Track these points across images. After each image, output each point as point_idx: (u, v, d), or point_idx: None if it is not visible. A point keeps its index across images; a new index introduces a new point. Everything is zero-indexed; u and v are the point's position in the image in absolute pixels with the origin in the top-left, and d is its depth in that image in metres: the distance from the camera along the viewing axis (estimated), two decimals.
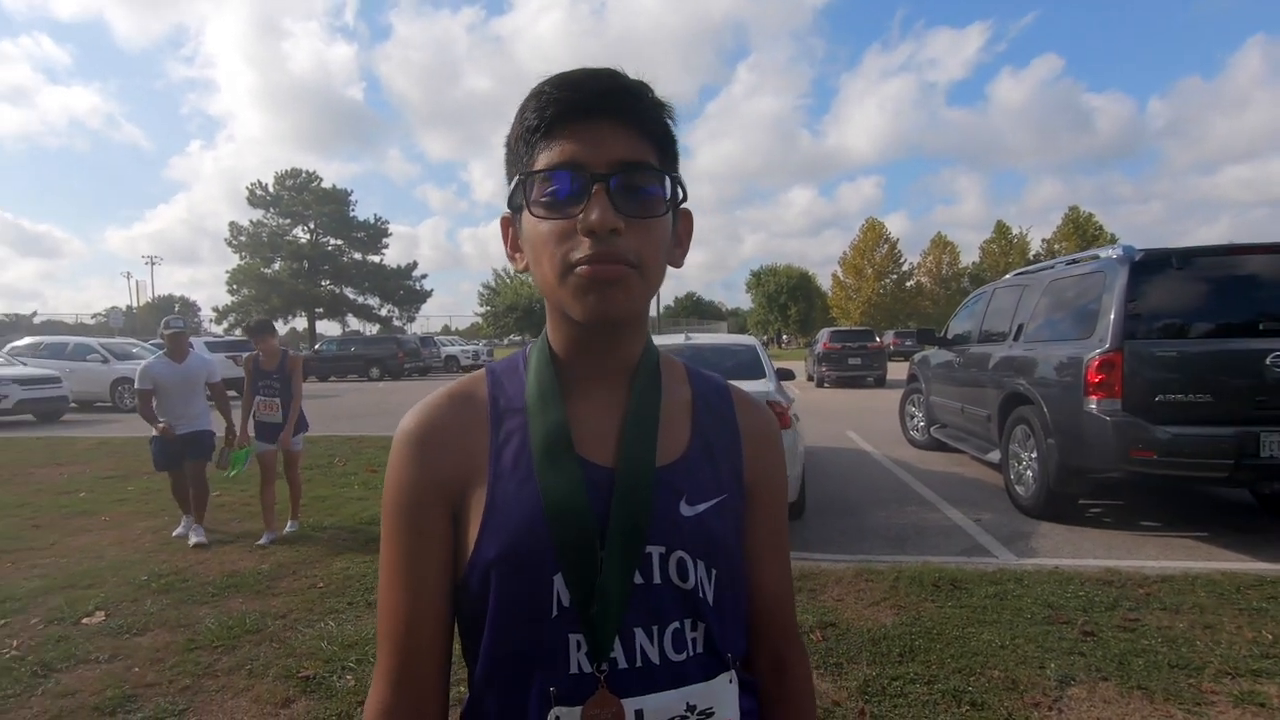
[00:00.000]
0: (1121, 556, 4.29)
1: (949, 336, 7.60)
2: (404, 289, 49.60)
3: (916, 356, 8.93)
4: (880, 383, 18.15)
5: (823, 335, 19.64)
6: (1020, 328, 5.78)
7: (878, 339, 19.81)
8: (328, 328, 47.08)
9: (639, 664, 0.62)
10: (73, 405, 14.38)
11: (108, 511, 5.89)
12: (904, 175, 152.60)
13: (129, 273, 59.33)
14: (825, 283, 56.34)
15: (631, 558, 0.62)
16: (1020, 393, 5.39)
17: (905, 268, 53.58)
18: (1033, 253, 51.97)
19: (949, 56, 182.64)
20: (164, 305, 63.09)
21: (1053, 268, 5.88)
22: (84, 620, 3.52)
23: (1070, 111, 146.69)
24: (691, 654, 0.64)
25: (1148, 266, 4.55)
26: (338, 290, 47.05)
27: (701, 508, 0.67)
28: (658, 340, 5.98)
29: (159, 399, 4.96)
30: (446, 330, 62.24)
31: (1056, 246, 51.07)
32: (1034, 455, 5.12)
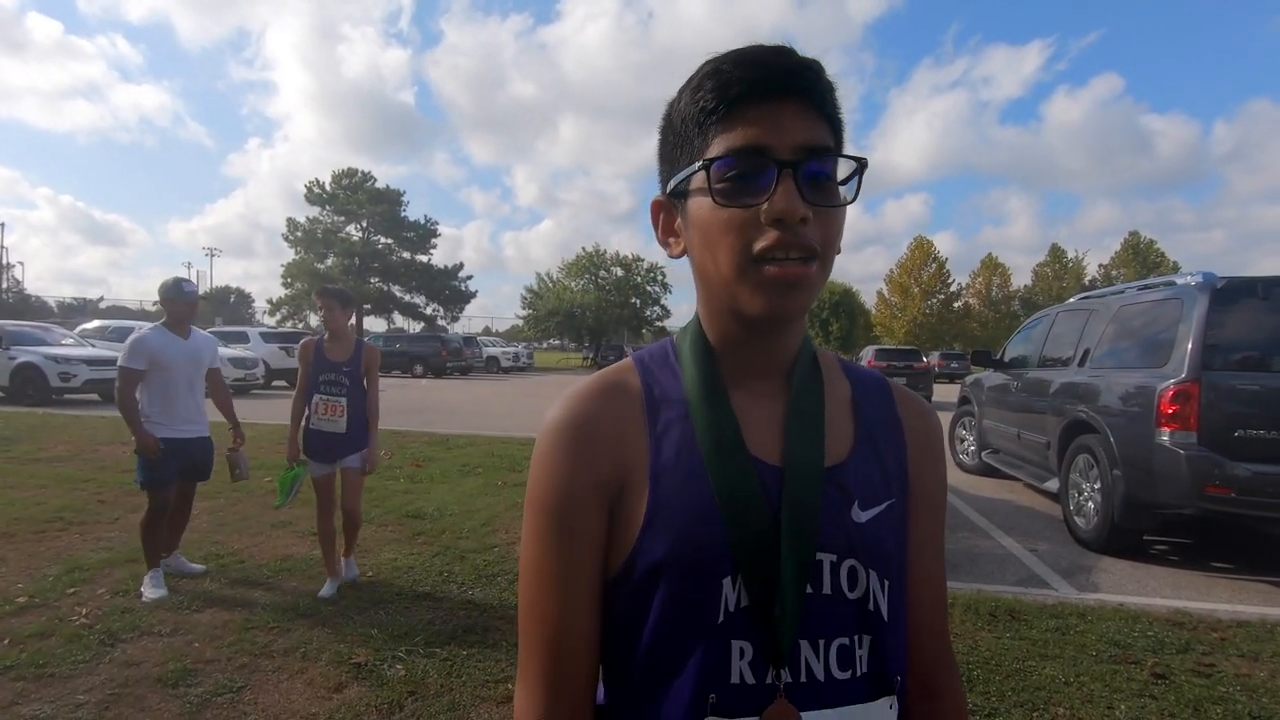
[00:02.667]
0: (1191, 597, 4.08)
1: (1006, 359, 7.39)
2: (449, 289, 50.48)
3: (969, 379, 8.69)
4: None
5: (867, 353, 19.33)
6: (1086, 353, 5.57)
7: (924, 359, 19.40)
8: (374, 324, 48.27)
9: (804, 680, 0.59)
10: None
11: None
12: (952, 194, 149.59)
13: (189, 263, 61.85)
14: (868, 300, 55.46)
15: (806, 563, 0.59)
16: (1084, 420, 5.19)
17: (953, 288, 52.41)
18: (1088, 278, 50.34)
19: (1005, 74, 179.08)
20: (221, 295, 65.55)
21: (1123, 293, 5.66)
22: (148, 595, 3.64)
23: (1130, 133, 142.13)
24: (857, 673, 0.60)
25: (1229, 294, 4.34)
26: (385, 288, 48.14)
27: (873, 512, 0.63)
28: None
29: (150, 388, 3.68)
30: (487, 331, 63.20)
31: (1115, 273, 49.37)
32: (1097, 486, 4.91)
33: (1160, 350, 4.60)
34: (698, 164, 0.60)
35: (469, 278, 51.79)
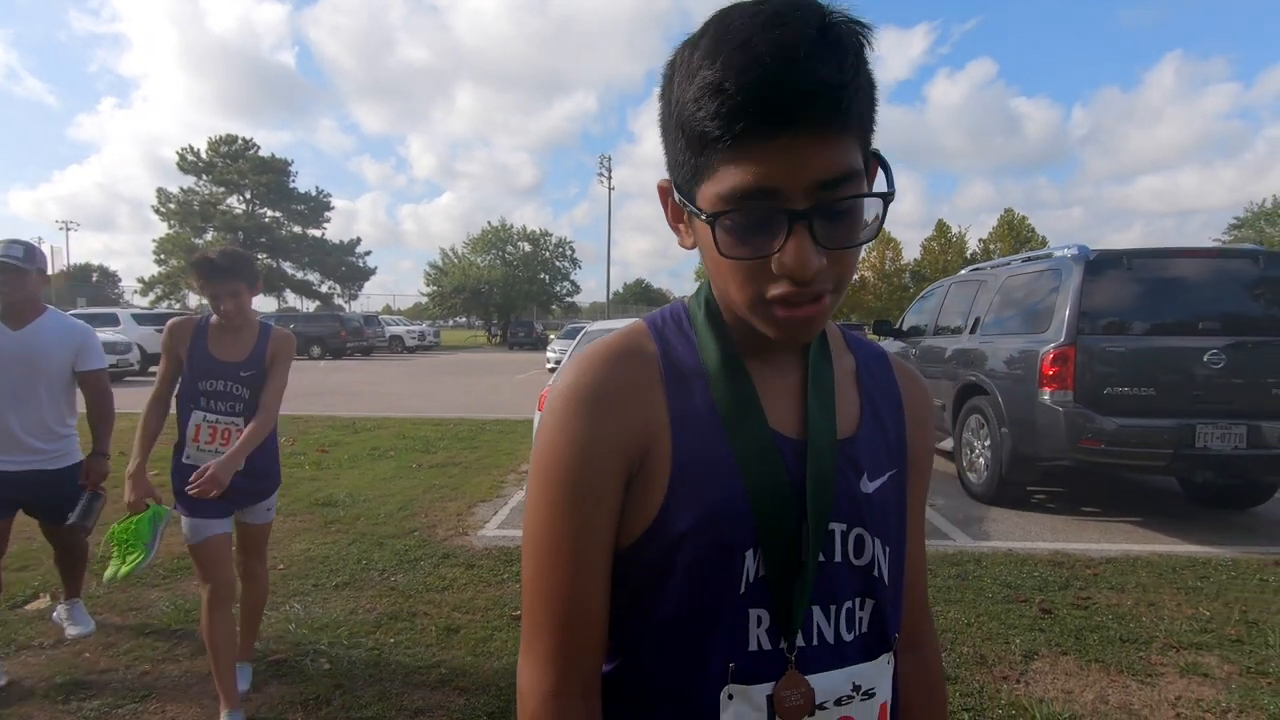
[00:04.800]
0: (1068, 540, 4.53)
1: (904, 329, 7.84)
2: (346, 265, 47.94)
3: None
4: None
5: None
6: (977, 321, 6.00)
7: None
8: (262, 304, 45.12)
9: (815, 643, 0.61)
10: None
11: None
12: None
13: (40, 238, 55.38)
14: None
15: (821, 534, 0.60)
16: (975, 383, 5.60)
17: None
18: (969, 251, 54.05)
19: (893, 55, 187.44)
20: (81, 274, 59.12)
21: (1009, 264, 6.12)
22: (28, 605, 3.29)
23: (1002, 115, 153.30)
24: (859, 633, 0.63)
25: (1101, 265, 4.78)
26: (275, 264, 45.03)
27: (879, 483, 0.65)
28: (602, 325, 5.98)
29: None
30: (388, 310, 60.60)
31: (992, 246, 53.23)
32: (987, 444, 5.34)
33: (1041, 317, 5.02)
34: (702, 216, 0.55)
35: (367, 253, 49.41)
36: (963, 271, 7.32)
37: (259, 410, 2.34)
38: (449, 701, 2.54)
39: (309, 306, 44.08)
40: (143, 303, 41.60)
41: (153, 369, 18.78)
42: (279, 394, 2.41)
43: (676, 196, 0.59)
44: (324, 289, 47.64)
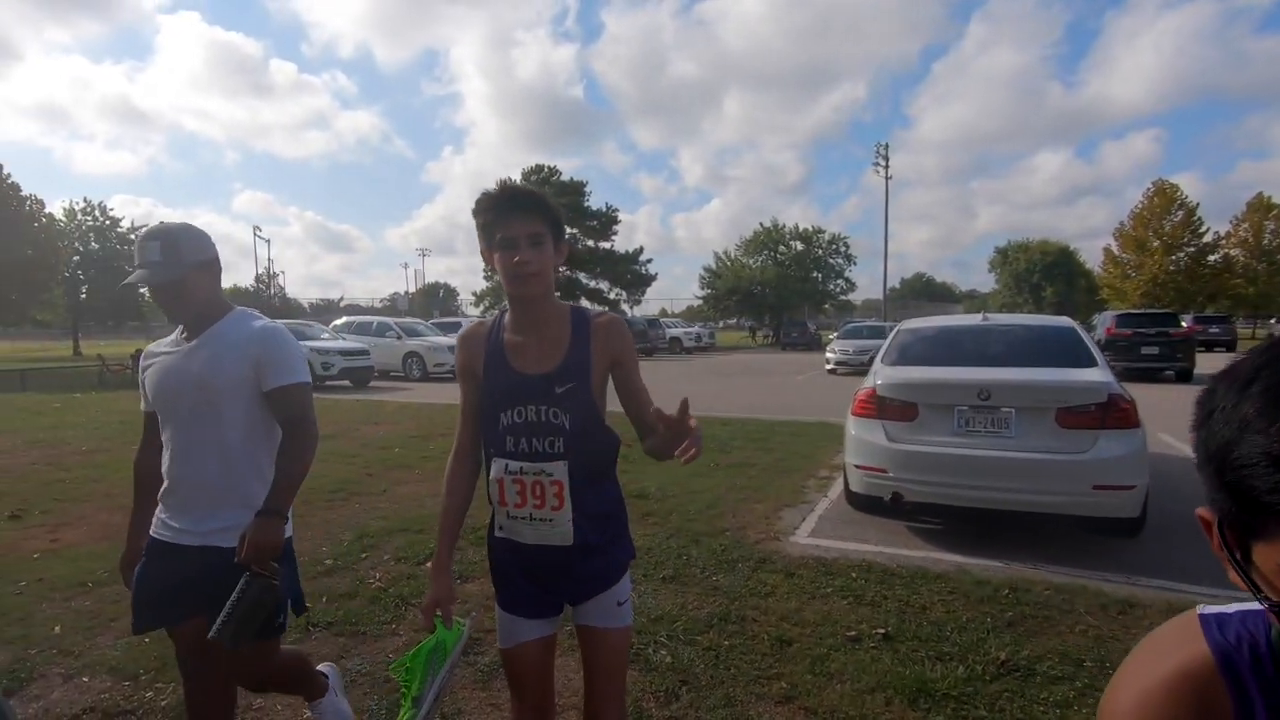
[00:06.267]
0: None
1: None
2: (631, 273, 52.12)
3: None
4: (1185, 377, 14.96)
5: (1105, 319, 16.73)
6: None
7: (1183, 324, 16.39)
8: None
9: None
10: (376, 374, 17.15)
11: (419, 466, 6.77)
12: (1192, 126, 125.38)
13: (406, 263, 69.60)
14: (1090, 259, 48.26)
15: None
16: None
17: (1207, 238, 43.98)
18: None
19: None
20: (432, 290, 73.38)
21: None
22: (426, 563, 3.98)
23: None
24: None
25: None
26: (573, 275, 50.84)
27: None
28: (920, 322, 5.37)
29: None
30: (664, 313, 64.32)
31: None
32: None
33: None
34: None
35: (649, 261, 53.06)
36: None
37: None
38: None
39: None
40: (476, 312, 50.13)
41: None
42: (644, 395, 1.53)
43: (1225, 550, 0.56)
44: (612, 296, 52.39)
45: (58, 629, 3.15)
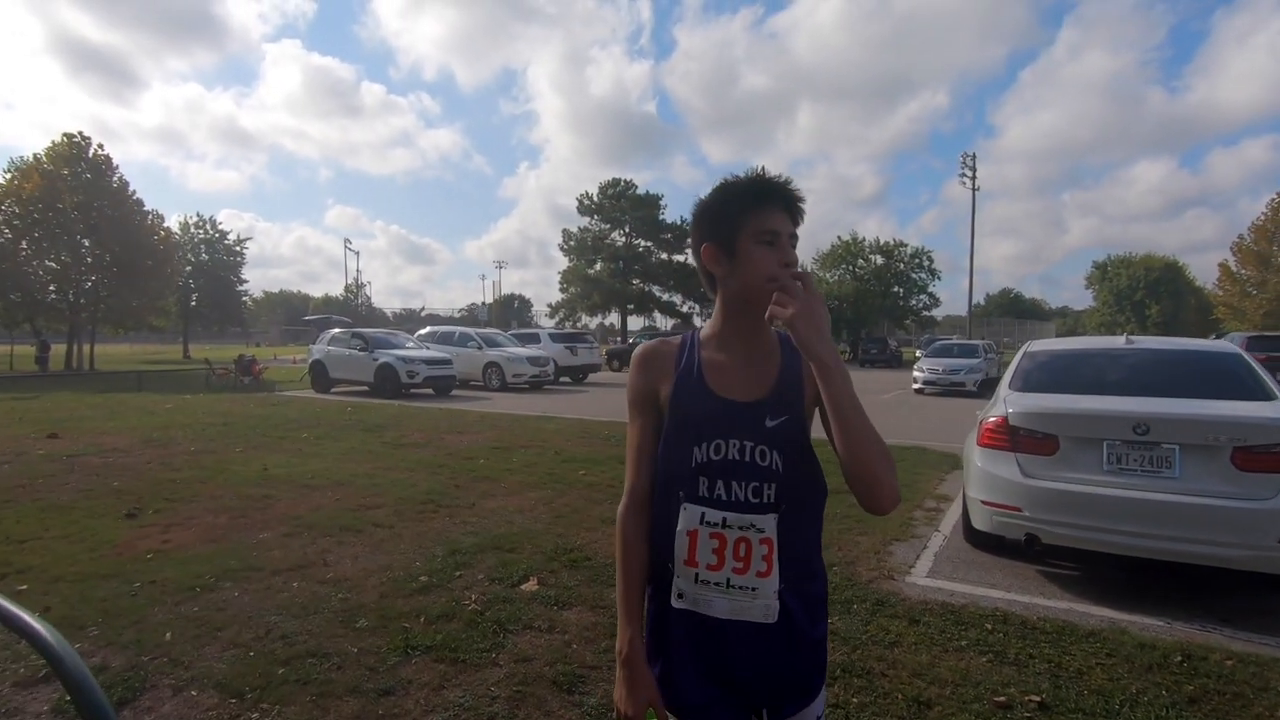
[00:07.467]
0: None
1: None
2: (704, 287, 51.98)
3: None
4: None
5: (1234, 341, 15.24)
6: None
7: None
8: (636, 323, 51.50)
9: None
10: (458, 383, 17.51)
11: (503, 479, 6.71)
12: None
13: (483, 275, 71.71)
14: (1201, 276, 44.41)
15: None
16: None
17: None
18: None
19: None
20: (508, 301, 75.21)
21: None
22: (521, 585, 3.85)
23: None
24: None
25: None
26: (646, 288, 51.07)
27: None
28: (1050, 344, 4.86)
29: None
30: None
31: None
32: None
33: None
34: None
35: None
36: None
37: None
38: None
39: (668, 324, 49.06)
40: (550, 323, 51.10)
41: (561, 379, 22.64)
42: (869, 427, 1.12)
43: None
44: (685, 308, 52.29)
45: (168, 635, 3.17)
